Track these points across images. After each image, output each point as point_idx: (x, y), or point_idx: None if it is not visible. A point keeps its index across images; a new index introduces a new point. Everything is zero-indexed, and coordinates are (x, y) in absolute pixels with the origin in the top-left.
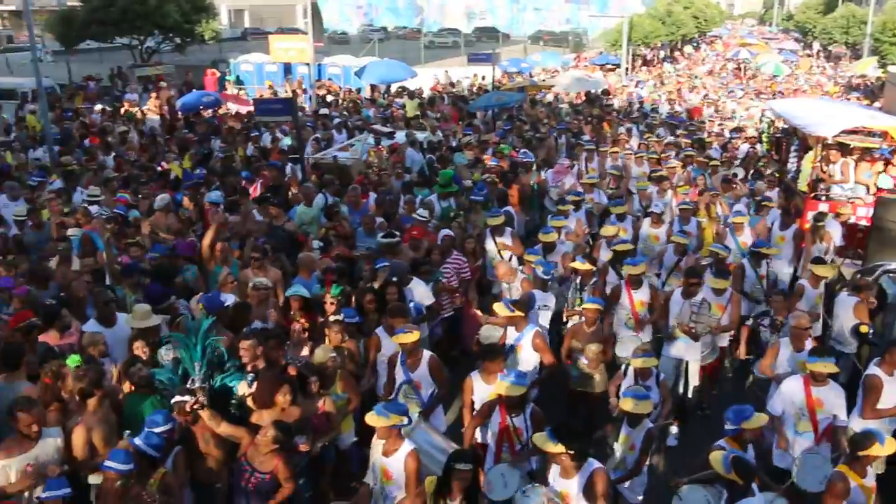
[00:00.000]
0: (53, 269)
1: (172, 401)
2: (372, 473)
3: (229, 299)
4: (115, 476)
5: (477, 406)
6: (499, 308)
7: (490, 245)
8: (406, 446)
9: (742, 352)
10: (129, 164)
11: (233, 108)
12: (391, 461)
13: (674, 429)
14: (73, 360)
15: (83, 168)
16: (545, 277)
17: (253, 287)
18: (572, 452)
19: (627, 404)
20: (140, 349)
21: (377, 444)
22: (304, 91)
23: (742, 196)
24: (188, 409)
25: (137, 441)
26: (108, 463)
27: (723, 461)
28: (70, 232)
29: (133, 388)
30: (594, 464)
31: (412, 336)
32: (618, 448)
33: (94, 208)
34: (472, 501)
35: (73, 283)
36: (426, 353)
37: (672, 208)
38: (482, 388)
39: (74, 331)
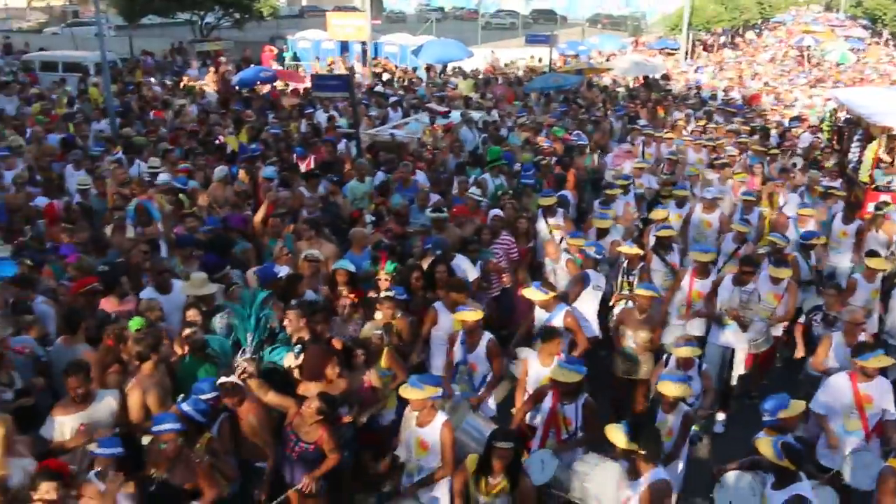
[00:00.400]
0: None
1: (217, 382)
2: (405, 447)
3: (283, 271)
4: (173, 435)
5: (530, 388)
6: (530, 293)
7: (542, 226)
8: (441, 416)
9: (800, 350)
10: (186, 136)
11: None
12: (427, 431)
13: (720, 415)
14: (135, 323)
15: (146, 140)
16: (597, 257)
17: (304, 258)
18: (643, 453)
19: (666, 388)
20: (193, 316)
21: (410, 417)
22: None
23: (800, 186)
24: (237, 377)
25: (185, 407)
26: (161, 426)
27: (774, 448)
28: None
29: (187, 351)
30: (661, 473)
31: (476, 314)
32: None
33: (164, 177)
34: (514, 480)
35: (130, 251)
36: (486, 336)
37: (730, 196)
38: (537, 370)
39: (132, 297)
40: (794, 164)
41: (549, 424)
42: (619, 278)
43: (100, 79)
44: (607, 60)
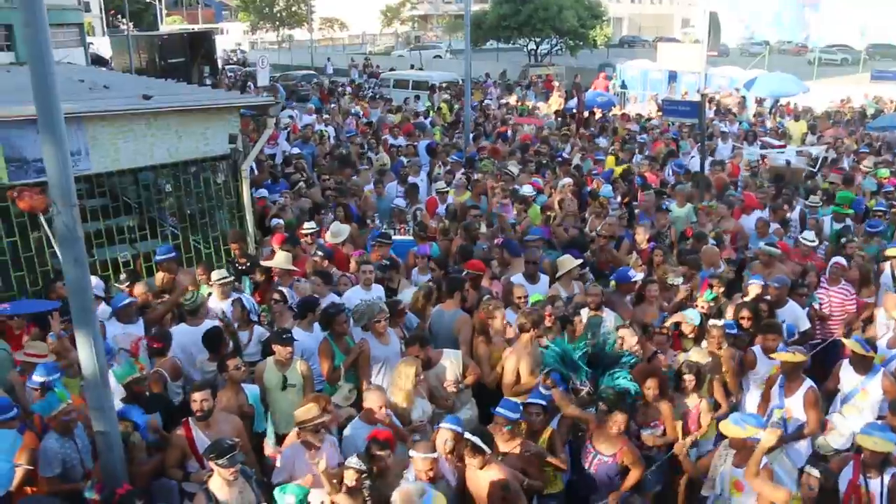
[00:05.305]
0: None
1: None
2: (716, 484)
3: (637, 276)
4: (503, 421)
5: None
6: (851, 344)
7: (888, 278)
8: (762, 461)
9: None
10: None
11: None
12: (744, 473)
13: None
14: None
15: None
16: None
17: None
18: None
19: None
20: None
21: (726, 454)
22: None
23: None
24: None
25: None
26: (499, 409)
27: None
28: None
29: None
30: None
31: (798, 357)
32: None
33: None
34: None
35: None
36: (807, 383)
37: None
38: None
39: (501, 282)
40: None
41: (848, 498)
42: None
43: (446, 95)
44: None
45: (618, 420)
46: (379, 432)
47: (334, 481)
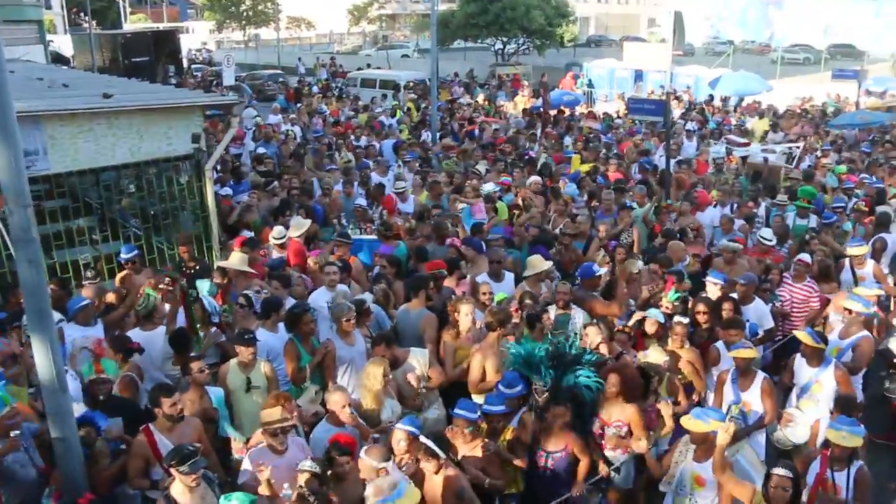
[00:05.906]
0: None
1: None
2: (676, 481)
3: (601, 270)
4: (463, 423)
5: None
6: (803, 336)
7: (847, 276)
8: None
9: None
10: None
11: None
12: (705, 467)
13: None
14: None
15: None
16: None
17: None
18: None
19: None
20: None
21: (687, 450)
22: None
23: None
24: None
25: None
26: (457, 410)
27: None
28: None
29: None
30: None
31: (750, 352)
32: None
33: (487, 186)
34: None
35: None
36: (760, 375)
37: None
38: None
39: (468, 281)
40: None
41: (814, 491)
42: None
43: (413, 94)
44: None
45: (557, 413)
46: (340, 436)
47: (285, 486)
